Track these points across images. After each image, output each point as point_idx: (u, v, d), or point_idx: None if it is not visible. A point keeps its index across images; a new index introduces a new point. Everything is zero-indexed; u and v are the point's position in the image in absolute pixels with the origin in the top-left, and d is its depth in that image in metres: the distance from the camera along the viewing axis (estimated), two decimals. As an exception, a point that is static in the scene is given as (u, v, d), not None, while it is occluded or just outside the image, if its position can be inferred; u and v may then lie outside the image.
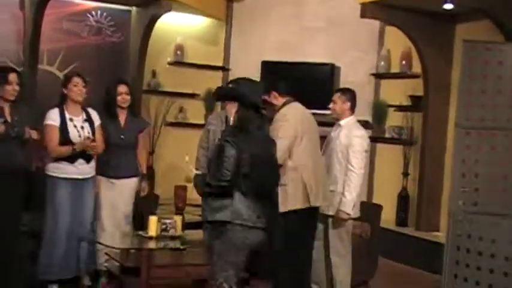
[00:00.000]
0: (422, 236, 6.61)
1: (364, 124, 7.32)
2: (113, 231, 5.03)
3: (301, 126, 4.36)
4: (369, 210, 6.05)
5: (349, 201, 4.69)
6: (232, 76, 7.22)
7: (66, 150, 4.75)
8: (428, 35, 6.74)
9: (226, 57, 7.76)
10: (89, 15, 7.16)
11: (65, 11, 7.00)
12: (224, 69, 7.67)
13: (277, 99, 4.46)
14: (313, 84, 6.81)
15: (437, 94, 6.76)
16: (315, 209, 4.49)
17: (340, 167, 4.72)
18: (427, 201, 6.79)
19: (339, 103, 4.85)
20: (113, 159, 5.04)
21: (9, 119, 4.50)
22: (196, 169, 5.18)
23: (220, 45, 7.77)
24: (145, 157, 5.33)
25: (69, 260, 4.82)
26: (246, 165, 3.69)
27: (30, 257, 4.97)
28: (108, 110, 5.10)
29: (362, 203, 6.45)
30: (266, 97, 4.37)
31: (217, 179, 3.72)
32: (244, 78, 4.08)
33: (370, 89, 7.44)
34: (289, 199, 4.27)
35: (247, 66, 7.60)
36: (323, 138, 4.92)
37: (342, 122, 4.85)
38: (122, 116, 5.15)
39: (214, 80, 7.49)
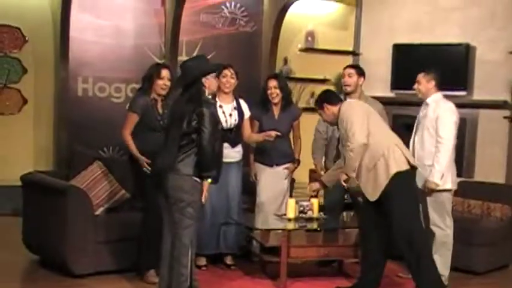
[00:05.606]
0: None
1: (502, 104, 7.13)
2: (261, 214, 5.26)
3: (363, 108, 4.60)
4: (509, 192, 5.88)
5: (438, 171, 4.69)
6: (362, 61, 7.24)
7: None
8: None
9: (357, 41, 7.75)
10: (223, 7, 7.48)
11: (202, 4, 7.38)
12: (354, 53, 7.69)
13: (328, 110, 4.62)
14: (447, 66, 6.65)
15: None
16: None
17: (433, 140, 4.75)
18: None
19: (423, 82, 4.86)
20: (268, 148, 5.21)
21: (160, 112, 4.82)
22: (312, 153, 5.34)
23: (350, 29, 7.78)
24: (299, 144, 5.46)
25: (212, 237, 5.09)
26: None
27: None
28: (262, 103, 5.32)
29: (500, 185, 6.32)
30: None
31: None
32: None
33: (509, 67, 7.17)
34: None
35: (377, 50, 7.60)
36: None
37: (428, 100, 4.85)
38: (276, 108, 5.32)
39: (345, 65, 7.50)
